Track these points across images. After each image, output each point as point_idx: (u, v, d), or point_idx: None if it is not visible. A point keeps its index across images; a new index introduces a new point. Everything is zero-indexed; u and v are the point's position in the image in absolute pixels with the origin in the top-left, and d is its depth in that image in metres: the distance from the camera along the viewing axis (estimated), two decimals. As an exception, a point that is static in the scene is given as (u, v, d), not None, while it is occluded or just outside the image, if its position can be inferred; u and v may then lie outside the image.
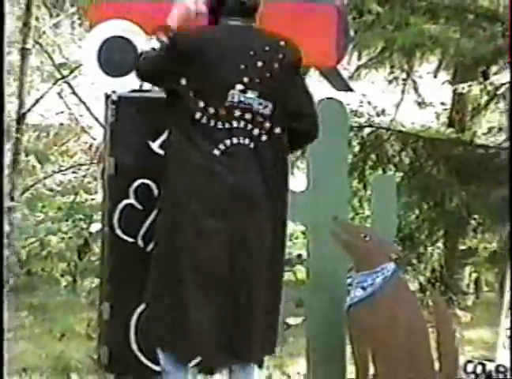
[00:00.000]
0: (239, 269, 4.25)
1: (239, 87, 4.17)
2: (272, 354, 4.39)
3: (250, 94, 4.19)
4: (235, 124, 4.18)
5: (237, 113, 4.18)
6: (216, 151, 4.15)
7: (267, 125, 4.24)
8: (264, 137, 4.24)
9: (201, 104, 4.16)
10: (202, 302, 4.22)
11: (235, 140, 4.17)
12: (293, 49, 4.33)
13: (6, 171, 11.74)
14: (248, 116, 4.20)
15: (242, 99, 4.19)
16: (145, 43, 4.59)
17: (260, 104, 4.22)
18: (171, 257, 4.25)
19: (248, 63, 4.20)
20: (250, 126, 4.21)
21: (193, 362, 4.29)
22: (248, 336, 4.36)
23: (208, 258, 4.20)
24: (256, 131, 4.22)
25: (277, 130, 4.28)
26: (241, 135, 4.18)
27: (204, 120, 4.16)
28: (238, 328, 4.31)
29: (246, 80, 4.18)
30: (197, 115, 4.16)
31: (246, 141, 4.19)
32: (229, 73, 4.18)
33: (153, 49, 4.34)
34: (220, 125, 4.17)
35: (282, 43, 4.30)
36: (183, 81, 4.19)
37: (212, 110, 4.16)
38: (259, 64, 4.22)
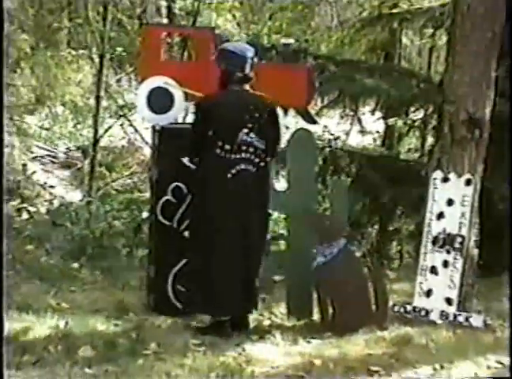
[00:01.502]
0: (243, 243, 4.35)
1: (245, 130, 4.34)
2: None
3: (251, 135, 4.36)
4: (243, 155, 4.34)
5: (244, 148, 4.34)
6: (229, 175, 4.31)
7: (263, 155, 4.42)
8: (262, 164, 4.42)
9: (220, 143, 4.29)
10: (223, 267, 4.32)
11: (242, 167, 4.34)
12: (273, 105, 4.50)
13: (86, 178, 11.86)
14: (251, 150, 4.37)
15: (248, 139, 4.35)
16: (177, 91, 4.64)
17: (258, 141, 4.39)
18: (203, 238, 4.34)
19: (250, 115, 4.36)
20: (252, 157, 4.37)
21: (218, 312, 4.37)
22: (252, 290, 4.40)
23: (225, 236, 4.32)
24: (256, 160, 4.39)
25: (268, 159, 4.47)
26: (246, 163, 4.35)
27: (222, 154, 4.30)
28: (246, 284, 4.37)
29: (249, 125, 4.36)
30: (218, 151, 4.30)
31: (250, 167, 4.36)
32: (238, 121, 4.34)
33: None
34: (232, 157, 4.32)
35: (267, 101, 4.45)
36: (210, 133, 4.28)
37: (227, 147, 4.31)
38: (256, 115, 4.38)
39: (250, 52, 4.41)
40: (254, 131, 4.34)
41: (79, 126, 13.22)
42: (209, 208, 4.32)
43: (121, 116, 12.14)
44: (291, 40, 5.69)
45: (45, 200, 10.78)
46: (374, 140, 11.51)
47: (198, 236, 4.39)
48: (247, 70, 4.35)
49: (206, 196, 4.32)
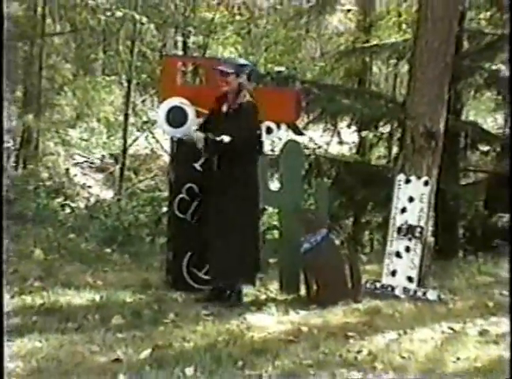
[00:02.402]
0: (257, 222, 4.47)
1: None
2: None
3: None
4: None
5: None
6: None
7: None
8: None
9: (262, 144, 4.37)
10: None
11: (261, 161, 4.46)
12: None
13: (117, 180, 11.85)
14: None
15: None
16: (190, 109, 4.62)
17: None
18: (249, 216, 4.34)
19: None
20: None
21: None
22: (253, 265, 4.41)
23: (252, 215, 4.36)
24: None
25: None
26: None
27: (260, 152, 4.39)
28: (250, 260, 4.37)
29: None
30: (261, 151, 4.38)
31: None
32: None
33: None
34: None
35: None
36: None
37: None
38: None
39: None
40: None
41: (111, 138, 13.24)
42: (247, 194, 4.29)
43: (145, 130, 12.17)
44: (283, 68, 5.70)
45: (84, 198, 10.77)
46: (350, 149, 11.51)
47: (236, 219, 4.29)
48: None
49: (248, 186, 4.29)
